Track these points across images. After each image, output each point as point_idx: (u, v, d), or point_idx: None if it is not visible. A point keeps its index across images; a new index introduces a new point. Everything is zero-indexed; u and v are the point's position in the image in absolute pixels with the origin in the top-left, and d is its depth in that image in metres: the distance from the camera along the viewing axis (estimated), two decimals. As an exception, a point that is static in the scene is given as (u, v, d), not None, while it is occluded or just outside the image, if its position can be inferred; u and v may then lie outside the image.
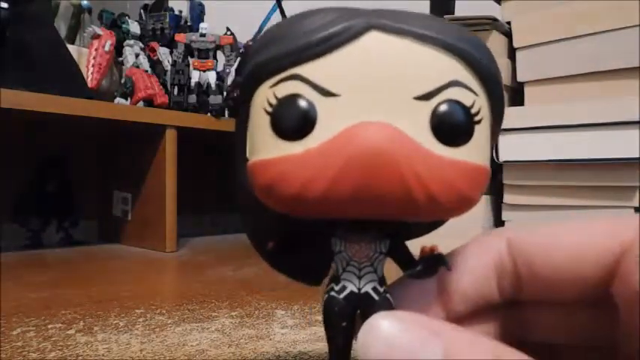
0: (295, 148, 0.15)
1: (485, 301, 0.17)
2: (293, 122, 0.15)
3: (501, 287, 0.17)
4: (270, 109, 0.15)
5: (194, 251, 1.09)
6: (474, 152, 0.15)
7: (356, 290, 0.16)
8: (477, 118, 0.15)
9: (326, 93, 0.15)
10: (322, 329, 0.18)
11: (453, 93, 0.15)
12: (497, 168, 1.13)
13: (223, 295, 0.63)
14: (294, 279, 0.20)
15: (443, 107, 0.15)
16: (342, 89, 0.15)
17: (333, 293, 0.17)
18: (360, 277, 0.16)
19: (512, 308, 0.17)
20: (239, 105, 0.17)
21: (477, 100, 0.15)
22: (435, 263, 0.17)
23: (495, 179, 1.18)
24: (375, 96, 0.14)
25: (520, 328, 0.18)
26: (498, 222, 1.14)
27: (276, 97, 0.15)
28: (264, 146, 0.15)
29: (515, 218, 1.11)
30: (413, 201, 0.14)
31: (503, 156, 1.08)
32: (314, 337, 0.44)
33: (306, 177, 0.14)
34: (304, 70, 0.15)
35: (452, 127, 0.15)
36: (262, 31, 1.37)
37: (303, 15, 0.15)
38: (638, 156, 0.97)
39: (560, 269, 0.16)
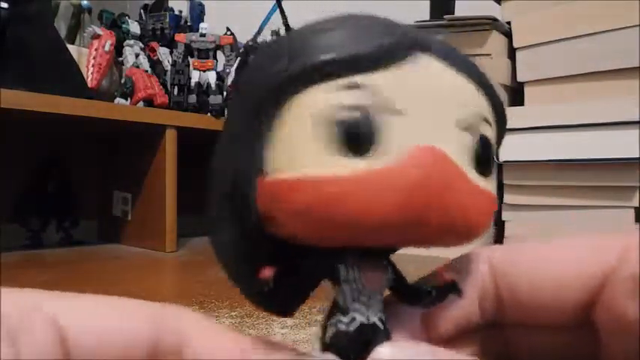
0: (357, 165, 0.13)
1: (468, 322, 0.17)
2: (358, 137, 0.13)
3: (483, 309, 0.17)
4: (328, 118, 0.13)
5: (194, 251, 1.09)
6: (491, 183, 0.16)
7: (365, 321, 0.15)
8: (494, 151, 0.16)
9: (392, 109, 0.14)
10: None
11: (484, 128, 0.15)
12: (497, 168, 1.13)
13: (223, 295, 0.63)
14: (268, 310, 0.17)
15: (481, 139, 0.15)
16: (406, 106, 0.14)
17: (342, 326, 0.15)
18: (368, 307, 0.15)
19: (494, 329, 0.17)
20: (246, 107, 0.14)
21: (493, 134, 0.16)
22: (448, 291, 0.16)
23: (495, 179, 1.17)
24: (431, 119, 0.14)
25: (503, 348, 0.17)
26: (498, 222, 1.15)
27: (337, 106, 0.13)
28: (313, 160, 0.13)
29: (515, 218, 1.11)
30: (466, 232, 0.14)
31: (503, 156, 1.08)
32: (314, 337, 0.44)
33: (369, 199, 0.13)
34: (369, 79, 0.13)
35: (487, 159, 0.15)
36: (261, 30, 1.37)
37: (347, 19, 0.14)
38: (638, 156, 0.97)
39: (542, 295, 0.16)
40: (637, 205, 1.01)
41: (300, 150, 0.13)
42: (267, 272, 0.14)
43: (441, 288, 0.16)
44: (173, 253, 1.06)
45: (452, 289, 0.16)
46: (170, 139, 1.07)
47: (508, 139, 0.93)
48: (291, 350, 0.15)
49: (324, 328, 0.15)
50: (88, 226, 1.24)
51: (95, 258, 1.02)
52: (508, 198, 1.12)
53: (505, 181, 1.11)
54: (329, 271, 0.15)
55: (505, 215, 1.12)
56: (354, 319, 0.15)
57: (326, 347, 0.15)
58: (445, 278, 0.16)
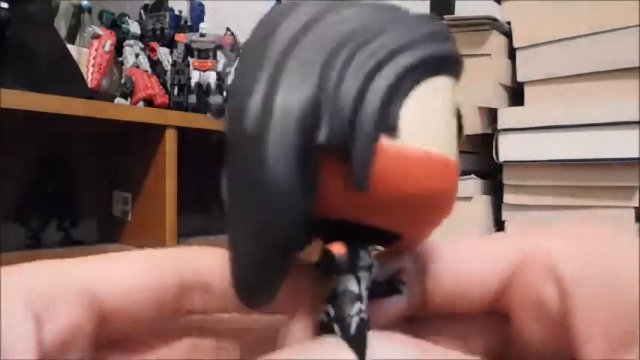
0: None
1: (398, 315, 0.17)
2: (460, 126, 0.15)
3: (411, 302, 0.17)
4: (455, 106, 0.15)
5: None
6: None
7: (365, 308, 0.15)
8: None
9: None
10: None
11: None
12: (497, 168, 1.13)
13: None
14: (256, 300, 0.15)
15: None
16: None
17: (364, 315, 0.14)
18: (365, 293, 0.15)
19: (417, 322, 0.18)
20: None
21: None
22: (396, 288, 0.16)
23: (495, 179, 1.17)
24: None
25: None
26: (498, 222, 1.14)
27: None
28: (445, 142, 0.14)
29: (515, 218, 1.11)
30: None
31: (503, 156, 1.08)
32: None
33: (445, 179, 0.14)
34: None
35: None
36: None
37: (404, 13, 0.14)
38: (638, 156, 0.97)
39: (462, 287, 0.17)
40: (637, 205, 1.01)
41: (438, 129, 0.13)
42: (340, 248, 0.14)
43: (391, 282, 0.16)
44: (173, 253, 1.06)
45: (399, 285, 0.16)
46: (170, 139, 1.07)
47: (508, 139, 0.93)
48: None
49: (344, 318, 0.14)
50: (88, 226, 1.24)
51: (95, 258, 1.02)
52: (508, 198, 1.11)
53: (505, 181, 1.11)
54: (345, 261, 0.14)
55: (505, 215, 1.12)
56: (361, 309, 0.14)
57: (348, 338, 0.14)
58: (402, 274, 0.16)
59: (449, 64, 0.14)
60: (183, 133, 1.09)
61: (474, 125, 1.11)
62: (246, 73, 0.13)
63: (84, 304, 0.14)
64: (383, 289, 0.16)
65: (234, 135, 0.13)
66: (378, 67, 0.12)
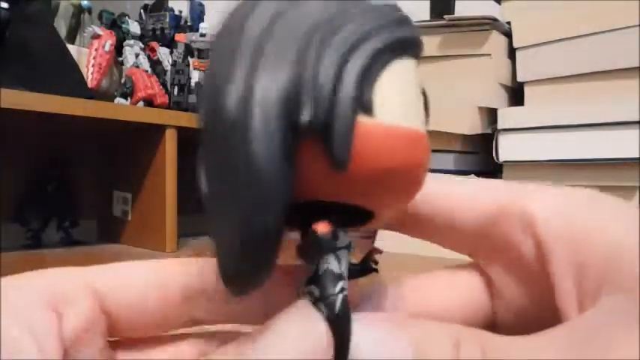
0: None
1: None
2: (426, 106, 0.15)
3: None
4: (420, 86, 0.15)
5: (194, 251, 1.09)
6: None
7: (346, 287, 0.15)
8: None
9: None
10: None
11: None
12: (497, 168, 1.13)
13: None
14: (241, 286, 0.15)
15: None
16: None
17: (346, 293, 0.15)
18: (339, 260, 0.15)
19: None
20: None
21: None
22: (370, 269, 0.17)
23: (495, 179, 1.17)
24: None
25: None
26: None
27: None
28: (416, 119, 0.14)
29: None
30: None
31: (503, 156, 1.08)
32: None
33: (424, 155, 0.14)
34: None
35: None
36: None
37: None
38: (638, 156, 0.97)
39: (442, 221, 0.18)
40: (637, 205, 1.01)
41: (409, 106, 0.14)
42: (325, 227, 0.14)
43: (365, 262, 0.17)
44: (173, 253, 1.06)
45: (373, 265, 0.17)
46: (170, 139, 1.07)
47: (508, 139, 0.93)
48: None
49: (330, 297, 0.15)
50: (88, 226, 1.24)
51: (95, 258, 1.02)
52: (508, 198, 1.12)
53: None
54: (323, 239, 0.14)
55: (505, 215, 1.12)
56: (343, 289, 0.15)
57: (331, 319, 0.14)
58: (374, 253, 0.17)
59: (412, 47, 0.14)
60: (183, 133, 1.09)
61: (473, 125, 1.11)
62: (222, 62, 0.13)
63: (96, 302, 0.15)
64: (358, 269, 0.17)
65: (212, 123, 0.13)
66: (351, 50, 0.13)
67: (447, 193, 0.18)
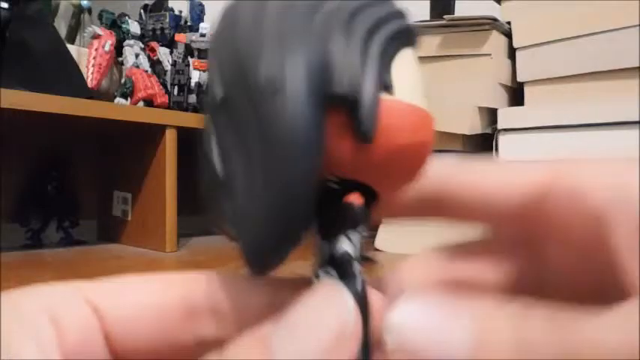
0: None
1: None
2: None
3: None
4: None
5: (194, 251, 1.09)
6: None
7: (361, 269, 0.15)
8: None
9: None
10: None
11: None
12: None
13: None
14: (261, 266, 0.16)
15: None
16: None
17: (364, 276, 0.15)
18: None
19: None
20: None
21: None
22: (368, 257, 0.17)
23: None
24: None
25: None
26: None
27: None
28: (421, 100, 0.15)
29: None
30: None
31: (503, 156, 1.08)
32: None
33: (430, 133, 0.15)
34: None
35: None
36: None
37: None
38: (638, 156, 0.97)
39: (485, 196, 0.17)
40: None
41: (418, 88, 0.15)
42: (358, 198, 0.15)
43: (362, 255, 0.17)
44: (173, 253, 1.06)
45: (369, 257, 0.16)
46: (170, 139, 1.07)
47: (508, 139, 0.93)
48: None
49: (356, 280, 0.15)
50: (88, 226, 1.24)
51: (95, 258, 1.02)
52: (508, 198, 1.12)
53: (505, 181, 1.11)
54: (345, 219, 0.15)
55: (505, 215, 1.12)
56: (360, 270, 0.15)
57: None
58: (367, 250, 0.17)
59: (413, 37, 0.15)
60: (183, 133, 1.09)
61: (473, 125, 1.11)
62: (246, 38, 0.14)
63: (95, 320, 0.15)
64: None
65: (238, 97, 0.14)
66: (370, 33, 0.14)
67: (480, 176, 0.17)
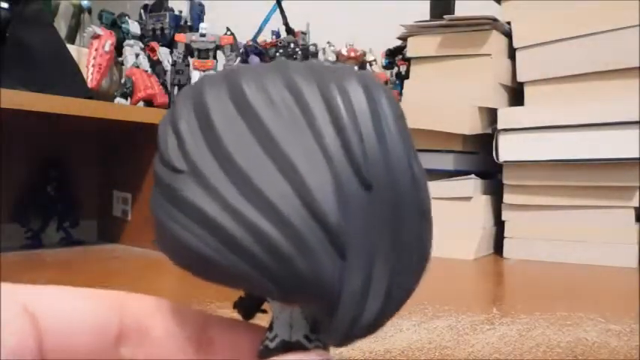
0: None
1: None
2: None
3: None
4: None
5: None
6: None
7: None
8: None
9: None
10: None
11: None
12: (497, 168, 1.13)
13: (223, 296, 0.63)
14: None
15: None
16: None
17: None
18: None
19: None
20: None
21: None
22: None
23: (495, 179, 1.17)
24: None
25: None
26: (498, 222, 1.14)
27: None
28: None
29: (515, 218, 1.11)
30: None
31: (503, 156, 1.08)
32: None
33: None
34: None
35: None
36: (261, 30, 1.36)
37: None
38: (638, 156, 0.97)
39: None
40: (637, 205, 1.01)
41: None
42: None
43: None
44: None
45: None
46: (170, 139, 1.06)
47: (508, 139, 0.93)
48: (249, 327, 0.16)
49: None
50: (88, 226, 1.24)
51: (95, 258, 1.02)
52: (508, 198, 1.12)
53: (505, 181, 1.11)
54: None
55: (505, 215, 1.12)
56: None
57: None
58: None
59: None
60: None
61: (473, 125, 1.11)
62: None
63: (31, 326, 0.15)
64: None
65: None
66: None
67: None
